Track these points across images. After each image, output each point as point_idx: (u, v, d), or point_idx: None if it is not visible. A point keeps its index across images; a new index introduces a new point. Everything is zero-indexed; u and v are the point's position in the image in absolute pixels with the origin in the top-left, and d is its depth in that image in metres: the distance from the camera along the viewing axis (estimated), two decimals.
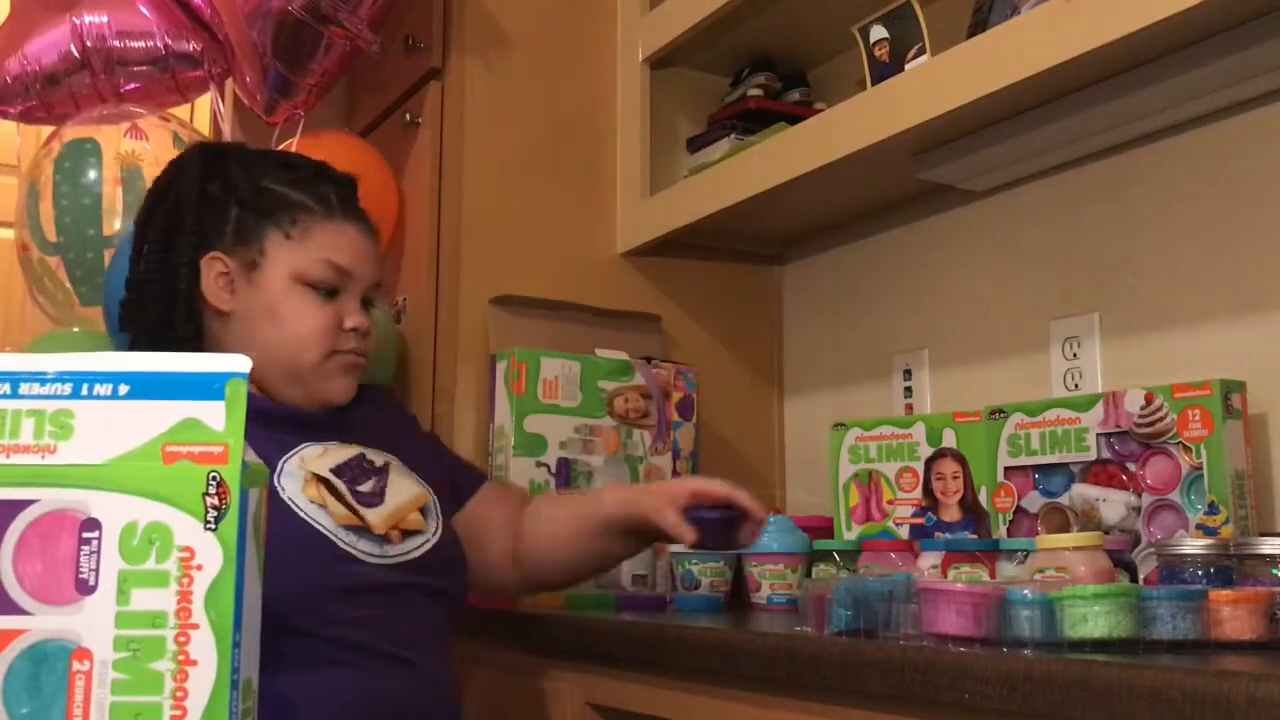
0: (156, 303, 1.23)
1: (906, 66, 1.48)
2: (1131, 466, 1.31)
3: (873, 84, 1.53)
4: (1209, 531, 1.22)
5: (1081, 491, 1.35)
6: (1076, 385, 1.55)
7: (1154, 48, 1.26)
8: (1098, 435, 1.33)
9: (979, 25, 1.44)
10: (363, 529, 1.13)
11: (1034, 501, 1.40)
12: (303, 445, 1.17)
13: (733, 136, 1.89)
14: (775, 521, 1.60)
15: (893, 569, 1.32)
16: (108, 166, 1.72)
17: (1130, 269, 1.51)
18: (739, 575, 1.60)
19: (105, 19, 1.81)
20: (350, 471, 1.17)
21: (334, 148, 1.89)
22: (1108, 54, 1.23)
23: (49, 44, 1.82)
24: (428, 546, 1.19)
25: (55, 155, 1.75)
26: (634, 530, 1.29)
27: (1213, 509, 1.23)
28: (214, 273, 1.21)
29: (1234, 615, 0.91)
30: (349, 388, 1.25)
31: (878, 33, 1.52)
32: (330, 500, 1.13)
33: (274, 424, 1.17)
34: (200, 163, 1.26)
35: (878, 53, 1.53)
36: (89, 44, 1.80)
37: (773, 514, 1.63)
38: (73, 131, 1.77)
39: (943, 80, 1.40)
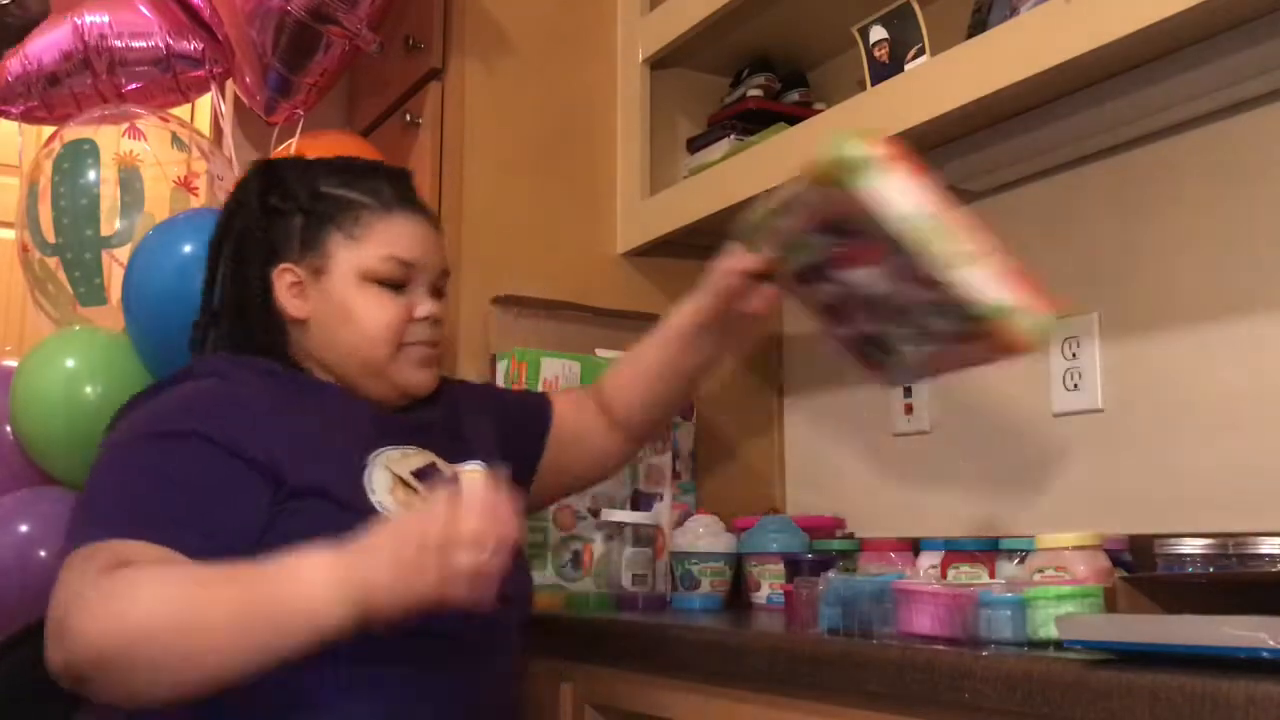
0: (234, 321, 1.26)
1: (906, 67, 1.48)
2: None
3: (873, 84, 1.53)
4: None
5: None
6: (1076, 385, 1.55)
7: (1154, 48, 1.26)
8: None
9: (979, 25, 1.44)
10: None
11: None
12: (386, 448, 1.17)
13: (733, 137, 1.89)
14: (775, 521, 1.60)
15: (889, 569, 1.32)
16: (105, 167, 1.72)
17: (1130, 269, 1.51)
18: (739, 575, 1.60)
19: (106, 19, 1.81)
20: (428, 478, 1.18)
21: (334, 148, 1.87)
22: (1108, 54, 1.23)
23: (50, 44, 1.83)
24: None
25: (55, 155, 1.75)
26: (712, 324, 1.35)
27: None
28: (286, 284, 1.23)
29: None
30: (429, 380, 1.26)
31: (877, 33, 1.52)
32: (417, 504, 1.13)
33: (360, 421, 1.19)
34: (259, 178, 1.28)
35: (877, 53, 1.53)
36: (90, 44, 1.80)
37: (773, 514, 1.64)
38: (72, 132, 1.77)
39: (943, 80, 1.40)
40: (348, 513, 1.06)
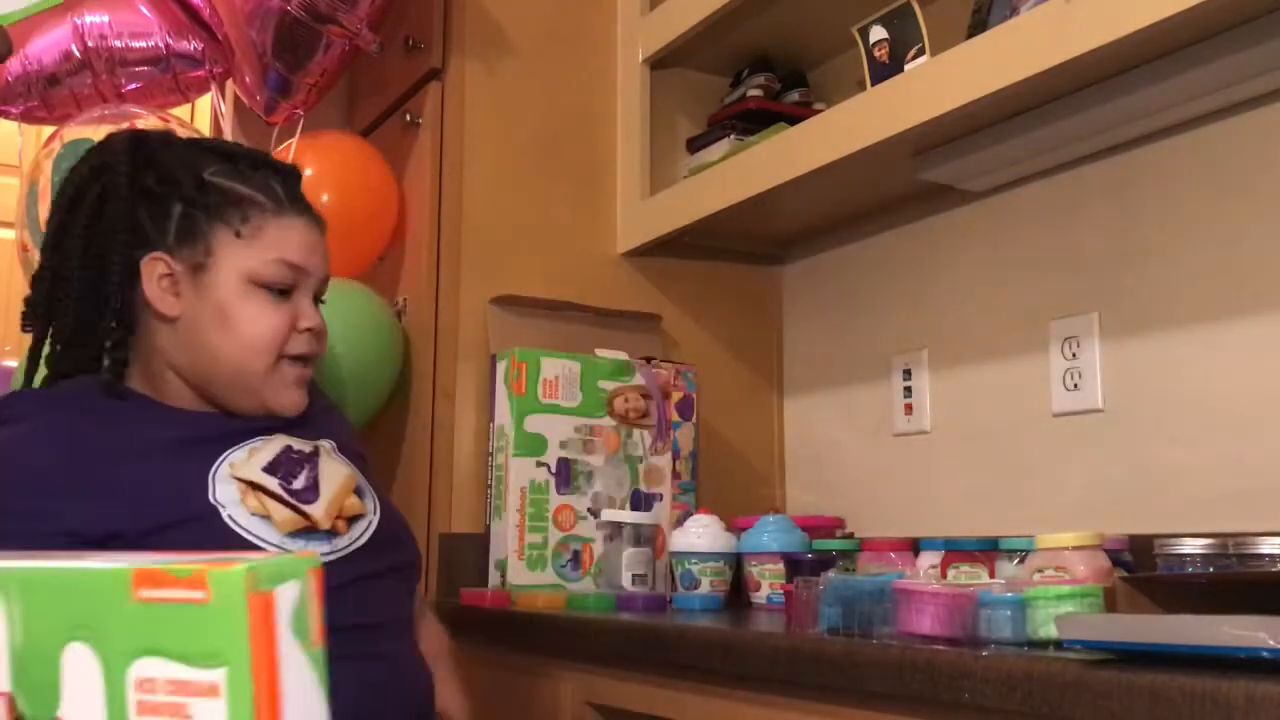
0: (81, 304, 1.15)
1: (906, 67, 1.48)
2: None
3: (872, 84, 1.53)
4: None
5: None
6: (1076, 385, 1.55)
7: (1154, 48, 1.26)
8: None
9: (978, 25, 1.44)
10: (309, 529, 1.09)
11: None
12: (228, 452, 1.11)
13: (733, 137, 1.89)
14: (775, 521, 1.60)
15: (889, 569, 1.31)
16: None
17: (1130, 269, 1.51)
18: (739, 575, 1.60)
19: (106, 19, 1.81)
20: (282, 467, 1.11)
21: (334, 148, 1.89)
22: (1108, 54, 1.23)
23: (50, 44, 1.82)
24: (373, 528, 1.16)
25: (55, 155, 1.75)
26: None
27: None
28: (156, 275, 1.13)
29: None
30: (300, 401, 1.18)
31: (877, 33, 1.52)
32: (272, 506, 1.08)
33: (189, 443, 1.11)
34: (130, 153, 1.16)
35: (877, 53, 1.53)
36: (90, 44, 1.80)
37: (773, 514, 1.64)
38: (72, 132, 1.77)
39: (943, 80, 1.40)
40: (206, 544, 0.99)
